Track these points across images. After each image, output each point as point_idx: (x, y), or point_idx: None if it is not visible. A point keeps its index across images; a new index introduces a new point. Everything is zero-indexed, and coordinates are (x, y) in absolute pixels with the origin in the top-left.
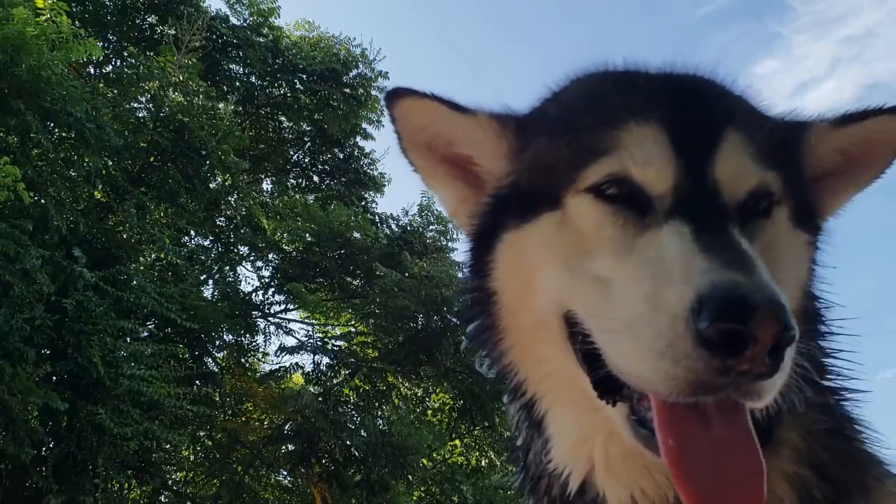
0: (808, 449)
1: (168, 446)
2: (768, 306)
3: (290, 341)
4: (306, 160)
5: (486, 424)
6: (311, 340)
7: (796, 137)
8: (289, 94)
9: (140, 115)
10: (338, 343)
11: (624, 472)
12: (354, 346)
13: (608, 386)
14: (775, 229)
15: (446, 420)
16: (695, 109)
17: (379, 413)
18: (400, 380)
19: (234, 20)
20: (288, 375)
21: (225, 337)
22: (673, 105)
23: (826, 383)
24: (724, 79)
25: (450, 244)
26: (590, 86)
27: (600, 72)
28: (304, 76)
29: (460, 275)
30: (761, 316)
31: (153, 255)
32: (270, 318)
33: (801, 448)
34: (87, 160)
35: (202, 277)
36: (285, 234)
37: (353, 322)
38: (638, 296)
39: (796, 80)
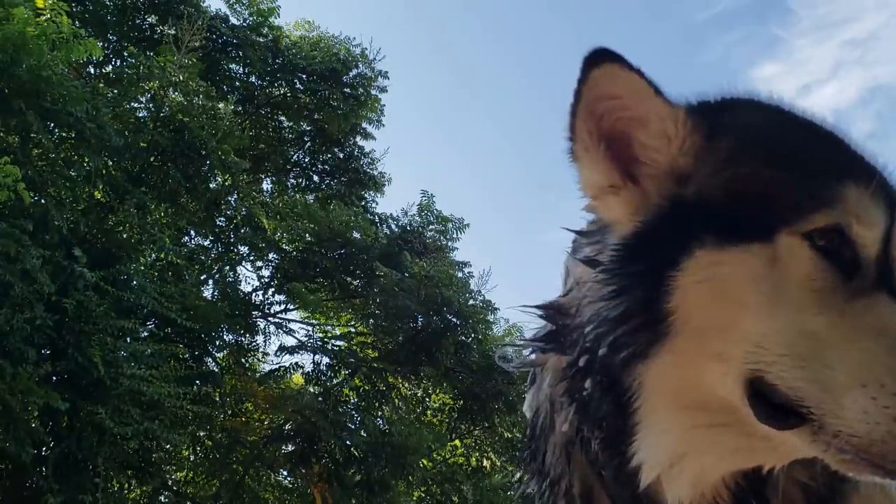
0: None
1: (168, 446)
2: None
3: (290, 341)
4: (306, 160)
5: (487, 425)
6: (311, 340)
7: None
8: (289, 94)
9: (140, 114)
10: (338, 343)
11: (699, 484)
12: (354, 346)
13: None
14: None
15: (447, 420)
16: (882, 174)
17: (379, 413)
18: (400, 380)
19: (233, 20)
20: (288, 375)
21: (225, 337)
22: (872, 169)
23: None
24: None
25: (450, 244)
26: (782, 120)
27: (766, 104)
28: (304, 76)
29: (460, 274)
30: None
31: (153, 255)
32: (270, 318)
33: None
34: (87, 160)
35: (202, 277)
36: (285, 234)
37: (353, 322)
38: (871, 362)
39: (798, 83)
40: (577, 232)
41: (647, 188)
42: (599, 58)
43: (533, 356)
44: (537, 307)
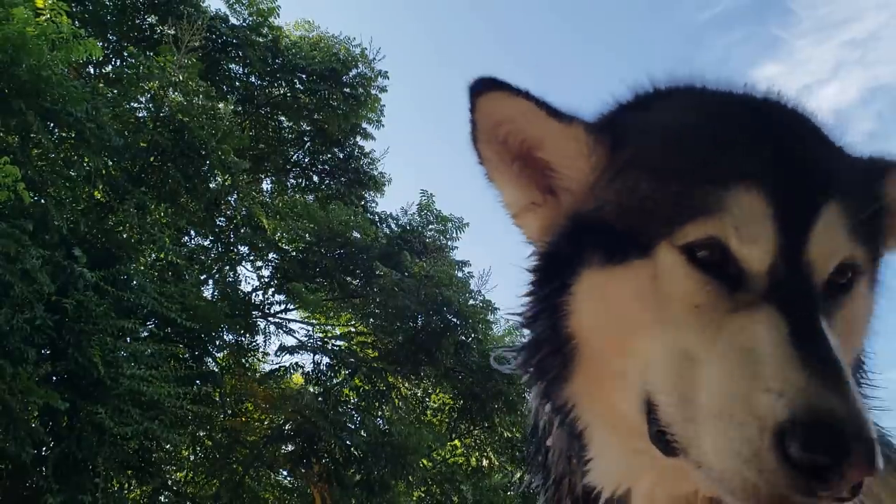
0: None
1: (168, 446)
2: (863, 447)
3: (290, 341)
4: (306, 160)
5: (487, 425)
6: (311, 340)
7: (876, 182)
8: (289, 94)
9: (140, 114)
10: (338, 343)
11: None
12: (354, 346)
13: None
14: (853, 302)
15: (446, 420)
16: (798, 175)
17: (379, 413)
18: (400, 380)
19: (233, 20)
20: (288, 375)
21: (225, 337)
22: (777, 168)
23: None
24: (811, 114)
25: (450, 244)
26: (687, 117)
27: (694, 95)
28: (304, 76)
29: (460, 274)
30: (854, 457)
31: (153, 255)
32: (270, 318)
33: None
34: (87, 160)
35: (202, 277)
36: (285, 234)
37: (353, 322)
38: (727, 390)
39: (799, 84)
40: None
41: (564, 204)
42: (482, 86)
43: None
44: (520, 315)
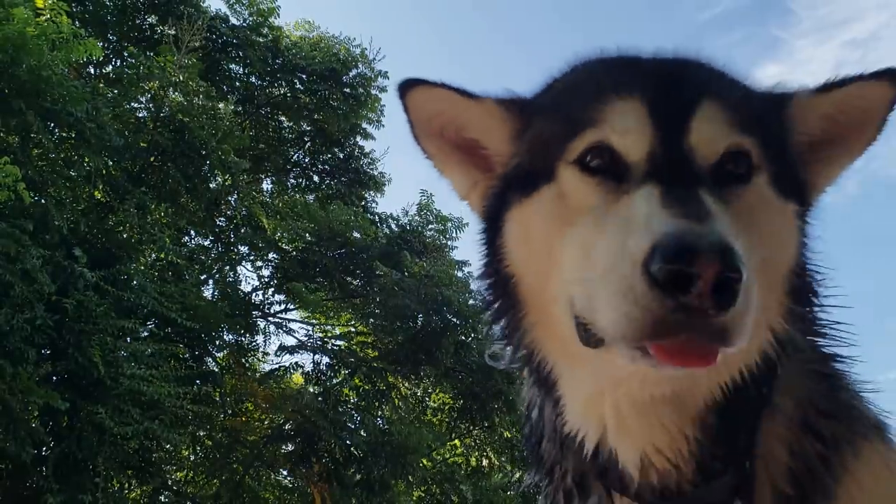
0: (801, 414)
1: (168, 446)
2: (711, 247)
3: (290, 341)
4: (306, 160)
5: (487, 424)
6: (311, 340)
7: (778, 107)
8: (289, 94)
9: (140, 115)
10: (338, 343)
11: (635, 428)
12: (354, 346)
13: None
14: (755, 195)
15: (446, 420)
16: (674, 82)
17: (379, 413)
18: (400, 379)
19: (233, 20)
20: (288, 375)
21: (225, 336)
22: (654, 81)
23: (820, 351)
24: (711, 59)
25: (449, 243)
26: (583, 69)
27: (595, 57)
28: (304, 76)
29: (459, 274)
30: (704, 256)
31: (153, 255)
32: (270, 318)
33: (795, 414)
34: (87, 160)
35: (202, 277)
36: (285, 234)
37: (353, 322)
38: (608, 250)
39: (799, 84)
40: None
41: (494, 176)
42: (407, 86)
43: None
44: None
